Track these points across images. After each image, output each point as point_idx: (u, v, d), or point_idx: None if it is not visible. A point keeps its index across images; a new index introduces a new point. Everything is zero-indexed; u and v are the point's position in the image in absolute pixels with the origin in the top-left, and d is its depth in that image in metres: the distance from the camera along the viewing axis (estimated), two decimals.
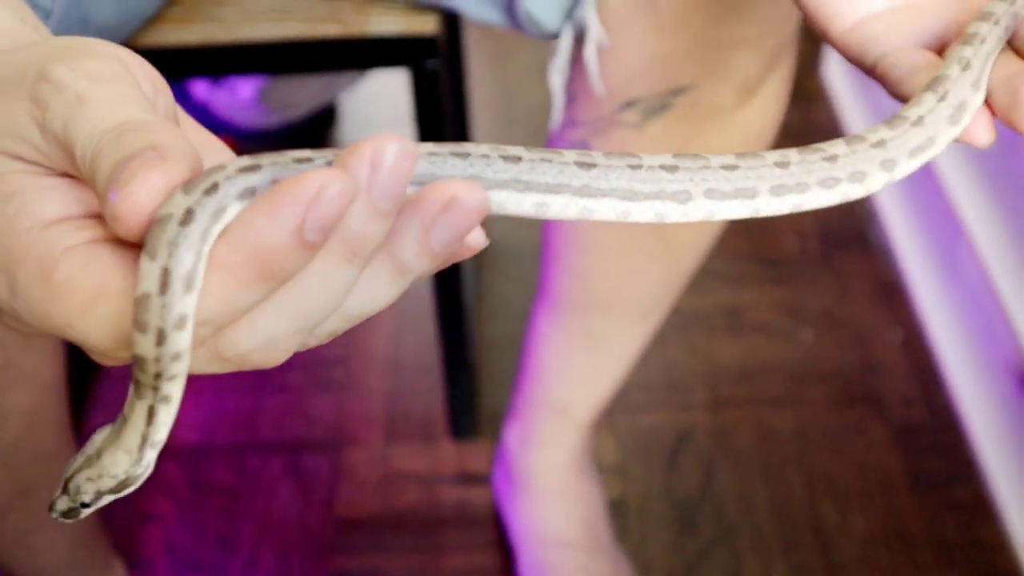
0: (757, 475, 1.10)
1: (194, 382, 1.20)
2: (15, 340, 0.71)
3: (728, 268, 1.31)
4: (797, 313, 1.26)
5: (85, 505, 0.36)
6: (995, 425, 1.10)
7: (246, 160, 0.32)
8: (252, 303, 0.31)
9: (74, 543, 0.88)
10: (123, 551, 1.02)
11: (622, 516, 1.06)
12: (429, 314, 1.24)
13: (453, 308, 1.05)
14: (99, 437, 0.36)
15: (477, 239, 0.33)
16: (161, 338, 0.31)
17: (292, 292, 0.31)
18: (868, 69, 0.43)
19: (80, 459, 0.36)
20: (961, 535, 1.04)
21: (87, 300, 0.31)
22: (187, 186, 0.30)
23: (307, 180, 0.29)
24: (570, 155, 0.37)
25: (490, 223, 1.49)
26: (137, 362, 0.32)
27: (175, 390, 0.34)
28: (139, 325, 0.31)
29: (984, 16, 0.42)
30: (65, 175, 0.33)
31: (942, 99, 0.40)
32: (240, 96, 1.36)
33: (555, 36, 0.75)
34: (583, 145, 0.76)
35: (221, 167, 0.31)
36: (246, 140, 1.40)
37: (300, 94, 1.40)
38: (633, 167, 0.38)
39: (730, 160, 0.39)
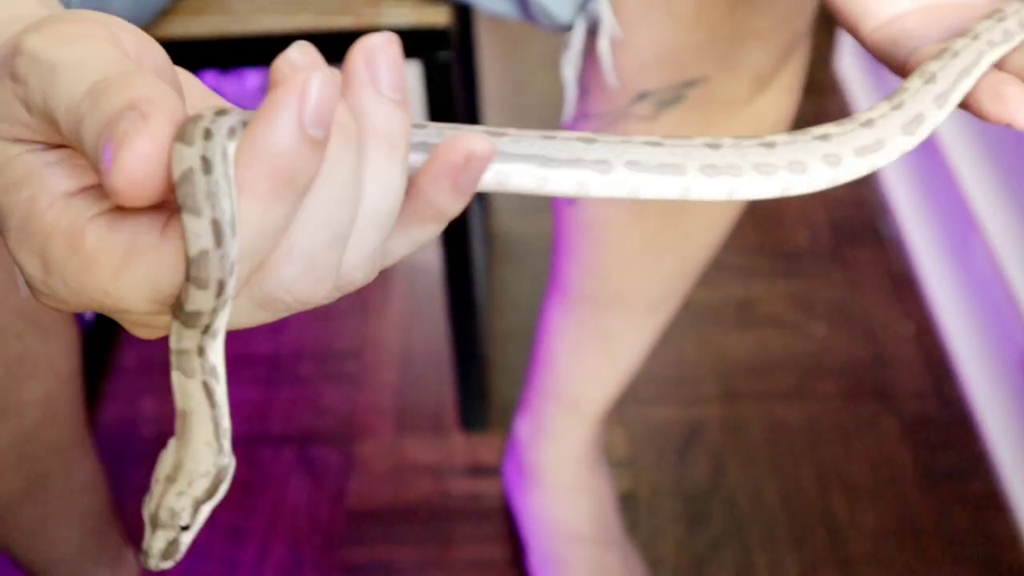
0: (768, 469, 1.10)
1: None
2: (32, 331, 0.72)
3: (739, 261, 1.31)
4: (808, 306, 1.26)
5: (186, 528, 0.33)
6: (1007, 419, 1.10)
7: (213, 107, 0.31)
8: (282, 221, 0.31)
9: (87, 534, 0.88)
10: (135, 542, 1.03)
11: (632, 509, 1.06)
12: (440, 307, 1.24)
13: (464, 301, 1.05)
14: (165, 456, 0.34)
15: (477, 144, 0.34)
16: (221, 289, 0.31)
17: (314, 199, 0.31)
18: (898, 66, 0.43)
19: (157, 488, 0.33)
20: (972, 529, 1.04)
21: (119, 262, 0.31)
22: (183, 136, 0.29)
23: (293, 80, 0.29)
24: (479, 128, 0.37)
25: (502, 216, 1.50)
26: (186, 321, 0.31)
27: (218, 357, 0.33)
28: (199, 282, 0.30)
29: (964, 32, 0.42)
30: (64, 146, 0.33)
31: (896, 108, 0.40)
32: (248, 85, 1.37)
33: (568, 28, 0.75)
34: None
35: (198, 115, 0.30)
36: None
37: None
38: (547, 137, 0.38)
39: (654, 139, 0.39)
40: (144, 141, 0.29)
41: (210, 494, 0.33)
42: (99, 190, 0.32)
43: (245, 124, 0.31)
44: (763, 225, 1.35)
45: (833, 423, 1.14)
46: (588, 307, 0.89)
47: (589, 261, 0.86)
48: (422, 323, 1.25)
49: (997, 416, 1.10)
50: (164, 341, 1.28)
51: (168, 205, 0.31)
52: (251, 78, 1.36)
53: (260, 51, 0.82)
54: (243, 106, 1.38)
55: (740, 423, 1.14)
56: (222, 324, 0.32)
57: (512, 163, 0.37)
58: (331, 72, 0.30)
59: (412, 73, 0.87)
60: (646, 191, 0.38)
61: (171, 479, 0.33)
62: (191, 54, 0.81)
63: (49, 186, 0.32)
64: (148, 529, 0.33)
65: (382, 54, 0.33)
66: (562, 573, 0.97)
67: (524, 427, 1.01)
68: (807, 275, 1.30)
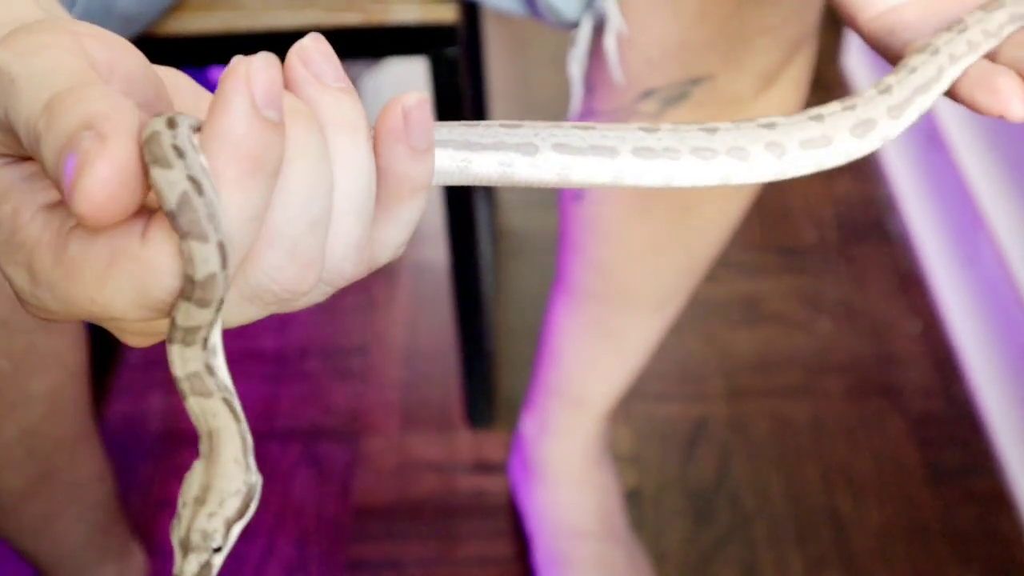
0: (773, 466, 1.10)
1: None
2: (38, 325, 0.72)
3: (745, 258, 1.31)
4: (814, 303, 1.26)
5: (218, 549, 0.32)
6: (1013, 417, 1.10)
7: (160, 116, 0.31)
8: (260, 206, 0.31)
9: (94, 530, 0.89)
10: (142, 537, 1.03)
11: (638, 506, 1.07)
12: (447, 303, 1.25)
13: (471, 297, 1.05)
14: (191, 478, 0.33)
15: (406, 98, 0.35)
16: (221, 304, 0.31)
17: (288, 184, 0.32)
18: (893, 57, 0.43)
19: (186, 511, 0.32)
20: (978, 527, 1.04)
21: (102, 270, 0.31)
22: (158, 160, 0.29)
23: (237, 69, 0.30)
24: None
25: (509, 212, 1.50)
26: (186, 339, 0.31)
27: (227, 375, 0.33)
28: (203, 302, 0.30)
29: (924, 47, 0.41)
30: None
31: (848, 109, 0.40)
32: None
33: (574, 25, 0.75)
34: None
35: (155, 132, 0.30)
36: None
37: None
38: (469, 125, 0.37)
39: (586, 124, 0.38)
40: (103, 164, 0.29)
41: (241, 513, 0.32)
42: None
43: (200, 125, 0.31)
44: (769, 222, 1.35)
45: (839, 420, 1.14)
46: (594, 304, 0.89)
47: (595, 258, 0.86)
48: (428, 320, 1.25)
49: (1003, 414, 1.10)
50: None
51: (143, 210, 0.31)
52: None
53: (268, 47, 0.82)
54: None
55: (746, 420, 1.14)
56: (218, 337, 0.32)
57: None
58: (269, 55, 0.31)
59: (419, 69, 0.87)
60: (576, 175, 0.38)
61: (200, 501, 0.32)
62: (198, 50, 0.81)
63: (29, 199, 0.32)
64: (179, 553, 0.32)
65: (315, 52, 0.34)
66: (567, 569, 0.97)
67: (530, 423, 1.01)
68: (813, 272, 1.30)
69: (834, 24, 1.56)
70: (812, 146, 0.39)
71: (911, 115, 0.41)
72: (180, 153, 0.29)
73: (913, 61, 0.41)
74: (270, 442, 1.13)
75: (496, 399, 1.15)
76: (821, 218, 1.36)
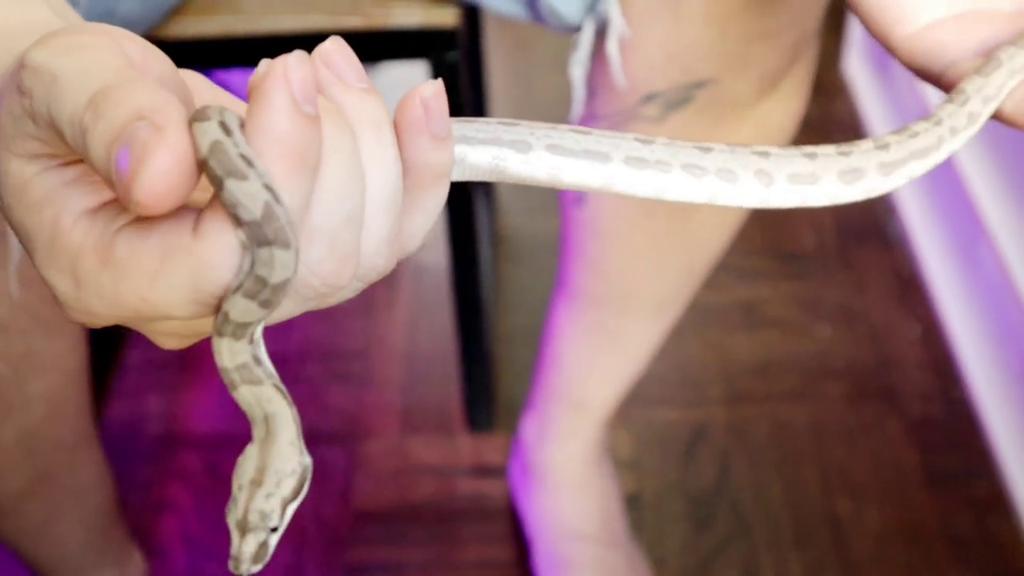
0: (773, 470, 1.10)
1: (211, 371, 1.20)
2: (37, 328, 0.72)
3: (745, 262, 1.31)
4: (814, 308, 1.26)
5: (275, 529, 0.33)
6: (1012, 421, 1.10)
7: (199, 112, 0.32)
8: (302, 200, 0.32)
9: (93, 532, 0.89)
10: (140, 540, 1.03)
11: (637, 510, 1.07)
12: (447, 307, 1.25)
13: (470, 300, 1.05)
14: (244, 463, 0.34)
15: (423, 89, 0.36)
16: (270, 302, 0.32)
17: (325, 180, 0.33)
18: (934, 79, 0.43)
19: (242, 494, 0.33)
20: (977, 531, 1.04)
21: (155, 267, 0.31)
22: (234, 171, 0.30)
23: (274, 68, 0.31)
24: None
25: (510, 216, 1.49)
26: (236, 333, 0.32)
27: (271, 364, 0.34)
28: (268, 303, 0.31)
29: (929, 116, 0.42)
30: (79, 161, 0.33)
31: (842, 154, 0.40)
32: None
33: (576, 29, 0.75)
34: None
35: (216, 140, 0.30)
36: None
37: None
38: (467, 120, 0.38)
39: (582, 129, 0.39)
40: (164, 154, 0.29)
41: (296, 493, 0.33)
42: (118, 204, 0.33)
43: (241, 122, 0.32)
44: (769, 227, 1.35)
45: (838, 424, 1.14)
46: (595, 308, 0.89)
47: (596, 261, 0.86)
48: (428, 323, 1.25)
49: (1002, 418, 1.10)
50: None
51: (187, 205, 0.32)
52: None
53: (270, 51, 0.82)
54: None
55: (745, 424, 1.14)
56: (260, 332, 0.34)
57: None
58: (302, 53, 0.32)
59: (420, 73, 0.87)
60: (567, 176, 0.39)
61: (257, 482, 0.33)
62: (200, 54, 0.81)
63: (70, 205, 0.33)
64: (236, 535, 0.33)
65: (337, 54, 0.35)
66: (567, 574, 0.97)
67: (530, 427, 1.01)
68: (813, 277, 1.30)
69: (835, 29, 1.56)
70: (799, 181, 0.40)
71: (900, 177, 0.41)
72: (249, 162, 0.30)
73: (916, 126, 0.42)
74: None
75: (496, 403, 1.15)
76: (821, 223, 1.36)
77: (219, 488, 1.09)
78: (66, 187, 0.33)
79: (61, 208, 0.33)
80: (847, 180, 0.40)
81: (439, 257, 1.30)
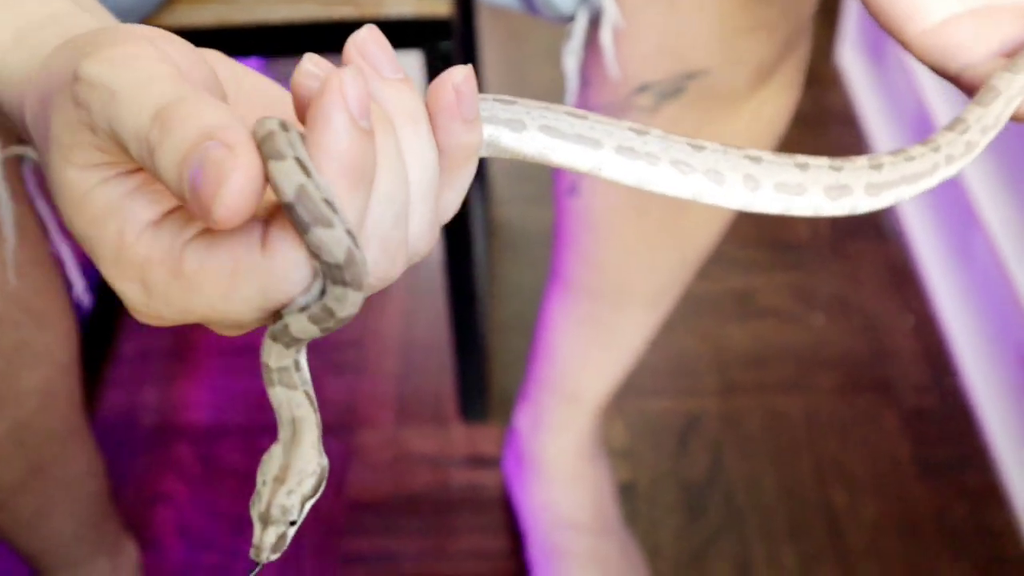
0: (766, 460, 1.10)
1: (206, 362, 1.20)
2: (29, 320, 0.72)
3: (739, 253, 1.31)
4: (808, 298, 1.26)
5: (293, 522, 0.36)
6: (1006, 412, 1.10)
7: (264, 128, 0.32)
8: (361, 213, 0.33)
9: (86, 524, 0.89)
10: (135, 532, 1.03)
11: (631, 500, 1.07)
12: (441, 297, 1.25)
13: (465, 291, 1.05)
14: (269, 460, 0.37)
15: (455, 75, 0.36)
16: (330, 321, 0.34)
17: (376, 187, 0.34)
18: (950, 78, 0.43)
19: (266, 489, 0.36)
20: (971, 522, 1.04)
21: (226, 282, 0.33)
22: (310, 209, 0.31)
23: (330, 84, 0.32)
24: None
25: (504, 206, 1.49)
26: (288, 344, 0.35)
27: (307, 368, 0.37)
28: (320, 321, 0.34)
29: (927, 140, 0.42)
30: (137, 169, 0.34)
31: (833, 169, 0.41)
32: (249, 64, 1.36)
33: (570, 19, 0.75)
34: None
35: (301, 184, 0.32)
36: None
37: None
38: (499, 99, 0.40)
39: (580, 112, 0.40)
40: (239, 175, 0.31)
41: (315, 491, 0.36)
42: (182, 213, 0.34)
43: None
44: (763, 217, 1.35)
45: (832, 415, 1.14)
46: (588, 298, 0.89)
47: (589, 253, 0.86)
48: (423, 313, 1.25)
49: (996, 409, 1.11)
50: (167, 331, 1.27)
51: (256, 217, 0.33)
52: (252, 57, 1.36)
53: (264, 41, 0.82)
54: None
55: (739, 415, 1.14)
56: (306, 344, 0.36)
57: None
58: (354, 67, 0.32)
59: (414, 63, 0.87)
60: (556, 157, 0.40)
61: (280, 480, 0.36)
62: (194, 43, 0.81)
63: (134, 217, 0.34)
64: (258, 526, 0.36)
65: (372, 44, 0.35)
66: (561, 563, 0.97)
67: (524, 418, 1.01)
68: (807, 267, 1.30)
69: (829, 19, 1.56)
70: (785, 191, 0.41)
71: (888, 198, 0.42)
72: (332, 207, 0.32)
73: (914, 150, 0.42)
74: (264, 435, 1.12)
75: (490, 393, 1.15)
76: None
77: (213, 479, 1.09)
78: (127, 198, 0.34)
79: (124, 221, 0.33)
80: (832, 195, 0.41)
81: (433, 248, 1.30)
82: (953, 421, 1.13)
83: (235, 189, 0.30)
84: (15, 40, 0.38)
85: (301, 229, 0.32)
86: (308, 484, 0.36)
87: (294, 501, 0.36)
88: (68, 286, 0.76)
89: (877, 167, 0.41)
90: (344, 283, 0.33)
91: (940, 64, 0.43)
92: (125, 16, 0.72)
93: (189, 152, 0.31)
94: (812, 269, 1.30)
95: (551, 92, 1.43)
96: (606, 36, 0.71)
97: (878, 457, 1.10)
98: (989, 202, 1.12)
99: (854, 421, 1.13)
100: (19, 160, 0.68)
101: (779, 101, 0.78)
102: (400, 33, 0.82)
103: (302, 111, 0.34)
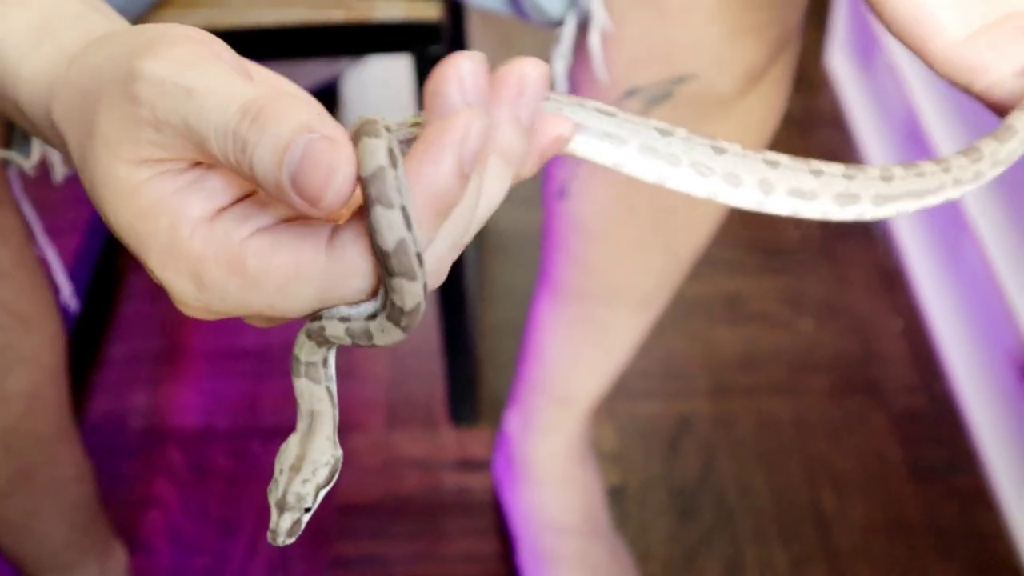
0: (757, 463, 1.10)
1: (194, 366, 1.19)
2: (15, 324, 0.72)
3: (728, 256, 1.31)
4: (797, 301, 1.27)
5: (308, 509, 0.38)
6: (995, 414, 1.10)
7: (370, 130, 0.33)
8: (428, 242, 0.34)
9: (74, 528, 0.88)
10: (124, 535, 1.02)
11: (621, 503, 1.07)
12: (431, 299, 1.24)
13: (454, 293, 1.05)
14: (287, 450, 0.38)
15: (564, 127, 0.38)
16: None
17: (450, 219, 0.35)
18: (975, 95, 0.44)
19: (282, 477, 0.38)
20: (960, 524, 1.04)
21: (286, 282, 0.34)
22: (370, 130, 0.32)
23: (456, 124, 0.33)
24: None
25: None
26: (320, 343, 0.37)
27: (334, 365, 0.39)
28: (399, 325, 0.35)
29: (940, 159, 0.43)
30: (193, 165, 0.35)
31: (846, 177, 0.42)
32: None
33: (559, 23, 0.75)
34: None
35: (381, 169, 0.33)
36: None
37: (299, 70, 1.40)
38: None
39: (610, 109, 0.41)
40: (346, 165, 0.32)
41: (328, 480, 0.38)
42: (234, 211, 0.35)
43: (402, 145, 0.34)
44: (752, 220, 1.35)
45: (822, 418, 1.14)
46: (578, 301, 0.89)
47: (579, 256, 0.86)
48: None
49: (985, 411, 1.11)
50: (156, 334, 1.27)
51: (321, 220, 0.34)
52: None
53: (253, 44, 0.82)
54: None
55: (729, 417, 1.14)
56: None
57: None
58: (485, 118, 0.33)
59: (403, 67, 0.87)
60: (580, 150, 0.41)
61: (296, 469, 0.38)
62: None
63: (187, 213, 0.34)
64: (275, 512, 0.38)
65: (532, 88, 0.36)
66: (551, 566, 0.97)
67: (514, 421, 1.01)
68: (796, 270, 1.30)
69: (818, 22, 1.56)
70: (797, 195, 0.42)
71: (891, 210, 0.43)
72: (421, 260, 0.33)
73: (926, 166, 0.43)
74: (254, 439, 1.12)
75: (480, 397, 1.15)
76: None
77: (203, 482, 1.09)
78: (179, 194, 0.34)
79: (177, 216, 0.34)
80: (841, 203, 0.42)
81: None
82: (943, 423, 1.13)
83: (344, 179, 0.32)
84: (37, 39, 0.38)
85: (387, 272, 0.33)
86: (322, 474, 0.38)
87: (309, 489, 0.38)
88: (55, 290, 0.76)
89: (888, 179, 0.42)
90: (397, 324, 0.35)
91: (965, 82, 0.44)
92: None
93: (289, 144, 0.32)
94: (802, 272, 1.30)
95: None
96: (594, 40, 0.71)
97: (868, 459, 1.10)
98: (978, 205, 1.12)
99: (844, 423, 1.13)
100: (3, 164, 0.68)
101: (768, 104, 0.78)
102: (390, 37, 0.82)
103: (429, 99, 0.35)
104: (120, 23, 0.40)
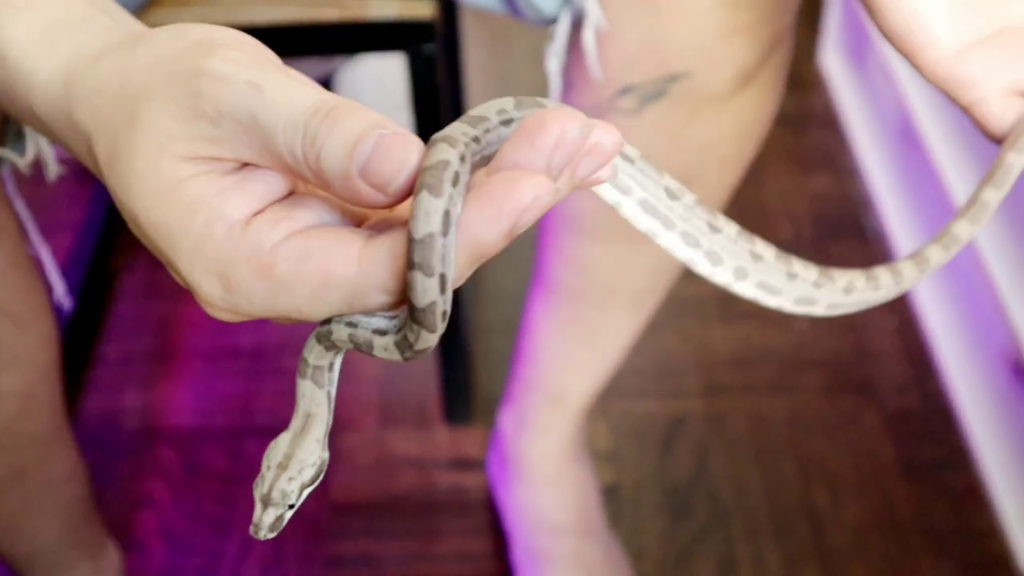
0: (750, 461, 1.10)
1: (188, 365, 1.19)
2: (7, 323, 0.71)
3: None
4: None
5: (292, 506, 0.39)
6: (988, 412, 1.10)
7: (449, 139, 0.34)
8: (463, 278, 0.35)
9: (68, 527, 0.88)
10: (118, 535, 1.02)
11: (615, 502, 1.07)
12: None
13: None
14: (276, 447, 0.40)
15: (605, 174, 0.38)
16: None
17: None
18: (961, 107, 0.45)
19: (269, 473, 0.39)
20: (953, 522, 1.05)
21: (315, 289, 0.34)
22: (434, 183, 0.33)
23: (523, 192, 0.33)
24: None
25: None
26: (329, 347, 0.38)
27: (340, 361, 0.40)
28: (425, 326, 0.35)
29: (914, 253, 0.48)
30: (238, 168, 0.36)
31: (816, 285, 0.46)
32: None
33: (553, 21, 0.75)
34: None
35: (449, 145, 0.33)
36: None
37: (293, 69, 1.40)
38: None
39: (632, 153, 0.42)
40: (415, 157, 0.33)
41: (313, 480, 0.40)
42: (268, 215, 0.35)
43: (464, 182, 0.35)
44: (746, 218, 1.35)
45: (815, 416, 1.14)
46: (572, 300, 0.89)
47: (572, 254, 0.86)
48: None
49: (978, 409, 1.11)
50: (149, 334, 1.26)
51: (352, 229, 0.35)
52: None
53: None
54: None
55: (723, 416, 1.14)
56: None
57: None
58: (553, 192, 0.34)
59: (397, 66, 0.87)
60: (625, 211, 0.43)
61: (283, 466, 0.39)
62: None
63: (224, 213, 0.35)
64: (259, 507, 0.39)
65: (599, 153, 0.36)
66: (545, 565, 0.97)
67: (508, 420, 1.01)
68: None
69: (811, 22, 1.57)
70: (763, 288, 0.45)
71: (839, 312, 0.47)
72: (444, 290, 0.34)
73: (883, 278, 0.48)
74: (248, 439, 1.12)
75: (474, 395, 1.15)
76: (797, 215, 1.37)
77: (196, 482, 1.08)
78: (220, 196, 0.35)
79: (215, 216, 0.35)
80: (799, 303, 0.46)
81: None
82: (936, 422, 1.13)
83: (410, 170, 0.33)
84: (51, 42, 0.39)
85: (412, 319, 0.34)
86: (308, 473, 0.39)
87: (294, 487, 0.39)
88: (48, 289, 0.76)
89: (849, 291, 0.46)
90: (402, 354, 0.36)
91: (953, 95, 0.45)
92: None
93: (360, 138, 0.33)
94: None
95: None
96: (589, 38, 0.71)
97: (861, 458, 1.10)
98: None
99: (837, 422, 1.14)
100: None
101: (761, 103, 0.78)
102: (383, 36, 0.82)
103: (518, 137, 0.34)
104: (130, 22, 0.41)
